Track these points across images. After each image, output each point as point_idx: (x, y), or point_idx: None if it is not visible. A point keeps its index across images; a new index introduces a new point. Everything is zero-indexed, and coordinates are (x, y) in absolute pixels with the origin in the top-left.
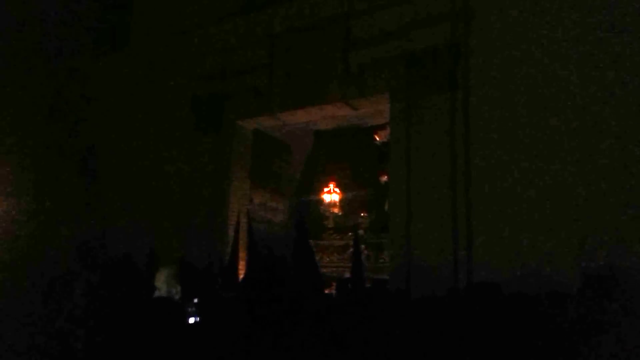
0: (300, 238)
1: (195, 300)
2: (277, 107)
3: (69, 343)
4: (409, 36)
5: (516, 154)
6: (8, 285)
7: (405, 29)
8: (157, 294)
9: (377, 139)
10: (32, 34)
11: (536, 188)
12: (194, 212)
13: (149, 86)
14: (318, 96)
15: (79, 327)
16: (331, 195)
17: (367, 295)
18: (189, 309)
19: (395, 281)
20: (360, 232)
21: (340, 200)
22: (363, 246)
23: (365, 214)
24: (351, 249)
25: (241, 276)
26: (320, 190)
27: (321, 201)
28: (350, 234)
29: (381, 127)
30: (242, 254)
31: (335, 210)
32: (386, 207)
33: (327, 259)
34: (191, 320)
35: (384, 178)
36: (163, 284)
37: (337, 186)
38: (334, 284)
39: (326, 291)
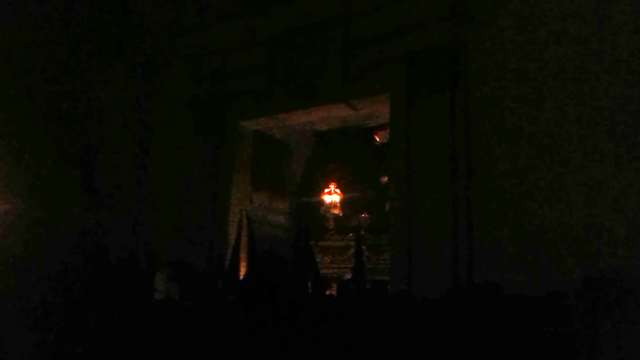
0: (300, 239)
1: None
2: (277, 108)
3: (69, 343)
4: (409, 36)
5: (517, 154)
6: (8, 285)
7: (405, 29)
8: (156, 295)
9: (378, 139)
10: (32, 36)
11: (537, 188)
12: (195, 214)
13: (149, 87)
14: (318, 97)
15: (79, 328)
16: (332, 196)
17: (368, 296)
18: None
19: (396, 282)
20: (361, 232)
21: (341, 201)
22: (363, 247)
23: (366, 215)
24: (352, 250)
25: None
26: (321, 191)
27: (322, 202)
28: (350, 234)
29: (381, 128)
30: (243, 255)
31: (336, 211)
32: (387, 208)
33: (328, 260)
34: None
35: (385, 179)
36: (162, 284)
37: (337, 187)
38: (334, 285)
39: (327, 292)
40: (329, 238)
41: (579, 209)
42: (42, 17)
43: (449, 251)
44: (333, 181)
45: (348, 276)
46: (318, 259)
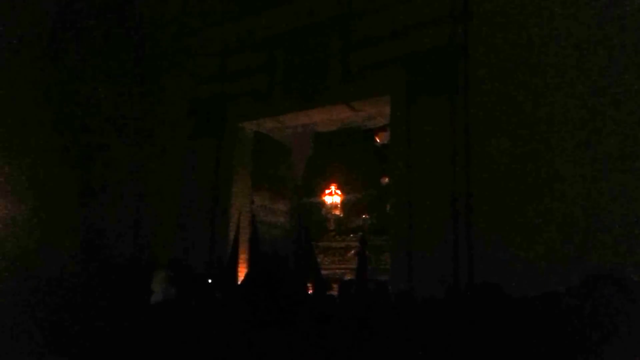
0: (301, 240)
1: None
2: (278, 109)
3: (70, 344)
4: (409, 38)
5: (517, 155)
6: (9, 285)
7: (405, 30)
8: (154, 296)
9: (378, 140)
10: (32, 36)
11: (537, 188)
12: (195, 215)
13: (150, 88)
14: (318, 98)
15: (80, 328)
16: (332, 197)
17: (370, 296)
18: None
19: (396, 282)
20: (361, 233)
21: (342, 202)
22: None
23: (367, 216)
24: (352, 251)
25: (241, 277)
26: (322, 192)
27: (322, 203)
28: (351, 235)
29: (382, 129)
30: (243, 256)
31: (337, 212)
32: (388, 209)
33: (328, 261)
34: None
35: (385, 180)
36: (159, 285)
37: (338, 188)
38: (335, 285)
39: (327, 292)
40: (329, 239)
41: (579, 209)
42: (42, 17)
43: (448, 252)
44: (334, 182)
45: (348, 277)
46: (318, 260)
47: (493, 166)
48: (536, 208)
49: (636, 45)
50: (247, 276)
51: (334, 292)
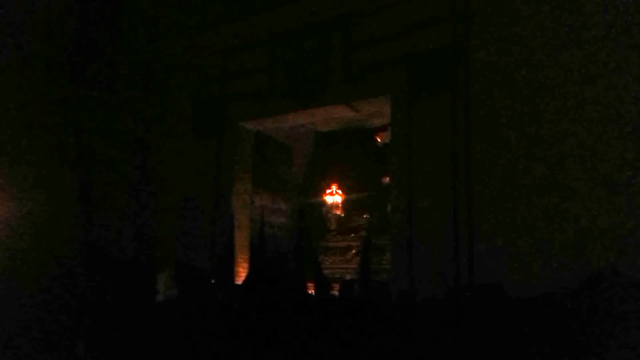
0: (301, 240)
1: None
2: (278, 109)
3: (70, 344)
4: (410, 37)
5: (518, 155)
6: (11, 285)
7: (406, 30)
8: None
9: (379, 140)
10: (32, 36)
11: (537, 188)
12: (196, 215)
13: (151, 89)
14: (319, 98)
15: (81, 328)
16: (333, 196)
17: (371, 296)
18: None
19: (397, 282)
20: (362, 233)
21: (343, 202)
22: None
23: (368, 216)
24: (353, 251)
25: (241, 278)
26: (323, 192)
27: (323, 203)
28: (352, 235)
29: (383, 129)
30: (244, 256)
31: (338, 211)
32: (388, 209)
33: (329, 261)
34: None
35: (386, 179)
36: (162, 286)
37: (339, 188)
38: (334, 285)
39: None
40: (330, 239)
41: (579, 209)
42: (41, 17)
43: (449, 251)
44: (334, 182)
45: (349, 276)
46: (319, 259)
47: (494, 166)
48: (537, 208)
49: (639, 44)
50: (247, 276)
51: (335, 292)
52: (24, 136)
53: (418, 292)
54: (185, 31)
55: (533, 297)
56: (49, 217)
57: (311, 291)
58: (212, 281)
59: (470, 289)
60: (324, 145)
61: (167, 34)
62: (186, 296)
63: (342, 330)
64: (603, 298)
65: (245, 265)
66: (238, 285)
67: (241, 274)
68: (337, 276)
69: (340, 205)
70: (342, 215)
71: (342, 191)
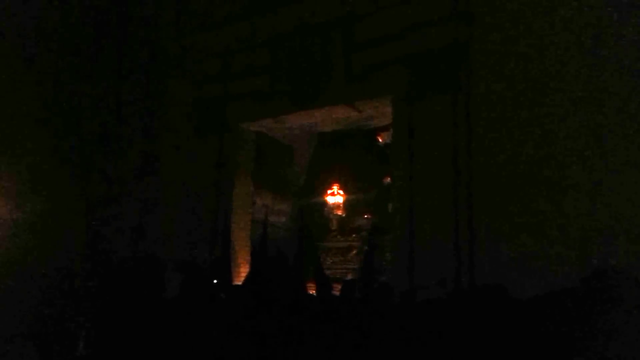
0: (302, 240)
1: None
2: (280, 110)
3: (72, 343)
4: (412, 37)
5: (519, 155)
6: (16, 286)
7: (407, 30)
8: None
9: (380, 140)
10: (33, 37)
11: (539, 188)
12: (197, 216)
13: (151, 89)
14: (321, 98)
15: (82, 328)
16: (335, 197)
17: (373, 297)
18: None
19: (398, 283)
20: (364, 233)
21: (344, 202)
22: (365, 247)
23: (369, 216)
24: (354, 251)
25: (240, 278)
26: (324, 192)
27: (325, 203)
28: (354, 235)
29: (384, 129)
30: (246, 257)
31: (339, 212)
32: (389, 209)
33: (330, 261)
34: None
35: (387, 179)
36: (163, 286)
37: (340, 188)
38: (335, 285)
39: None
40: (331, 239)
41: (581, 209)
42: (43, 18)
43: (451, 252)
44: (336, 182)
45: (351, 276)
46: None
47: (495, 166)
48: (539, 208)
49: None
50: (248, 276)
51: (336, 292)
52: (24, 136)
53: (419, 292)
54: (186, 32)
55: (535, 297)
56: (50, 217)
57: (312, 291)
58: (215, 281)
59: (472, 289)
60: (325, 145)
61: (168, 35)
62: (187, 296)
63: (343, 330)
64: (605, 298)
65: (247, 265)
66: (238, 285)
67: (242, 274)
68: (338, 277)
69: (341, 206)
70: (344, 215)
71: (343, 191)
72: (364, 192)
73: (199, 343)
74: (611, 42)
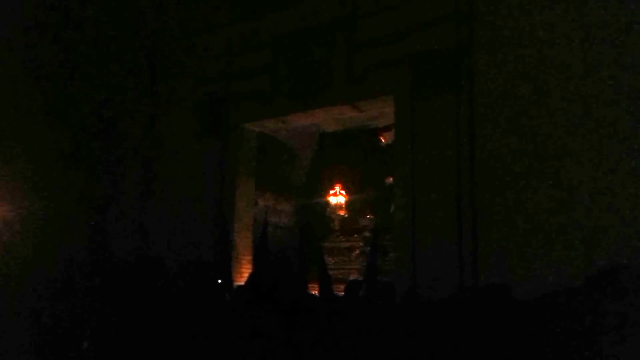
0: (304, 240)
1: None
2: (282, 110)
3: (75, 343)
4: (413, 38)
5: (521, 155)
6: (19, 286)
7: (409, 31)
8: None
9: (383, 140)
10: (36, 37)
11: (541, 189)
12: (199, 216)
13: (154, 90)
14: (322, 98)
15: (84, 328)
16: (337, 197)
17: (376, 297)
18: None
19: (400, 282)
20: (366, 234)
21: (346, 202)
22: (367, 248)
23: (371, 216)
24: (357, 251)
25: (241, 278)
26: (326, 193)
27: (327, 203)
28: (355, 235)
29: (386, 129)
30: (248, 257)
31: (341, 212)
32: (392, 209)
33: (333, 261)
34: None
35: (390, 180)
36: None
37: (342, 188)
38: (337, 285)
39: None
40: (333, 239)
41: (582, 209)
42: (47, 18)
43: (453, 251)
44: (338, 182)
45: (353, 277)
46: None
47: (497, 166)
48: (540, 208)
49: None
50: (250, 277)
51: (339, 292)
52: (24, 136)
53: (422, 293)
54: (189, 33)
55: (537, 297)
56: (50, 217)
57: (315, 291)
58: (219, 281)
59: (475, 289)
60: (327, 145)
61: (170, 36)
62: (190, 296)
63: (347, 329)
64: (609, 297)
65: (249, 265)
66: (241, 285)
67: (244, 274)
68: (341, 276)
69: (343, 206)
70: (346, 215)
71: (345, 192)
72: (366, 192)
73: (202, 343)
74: (615, 41)
